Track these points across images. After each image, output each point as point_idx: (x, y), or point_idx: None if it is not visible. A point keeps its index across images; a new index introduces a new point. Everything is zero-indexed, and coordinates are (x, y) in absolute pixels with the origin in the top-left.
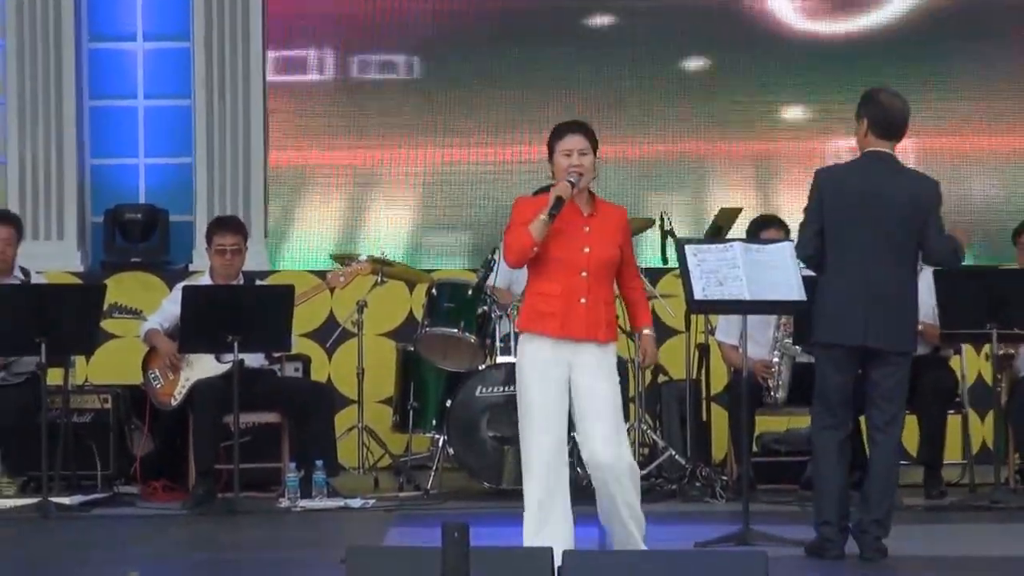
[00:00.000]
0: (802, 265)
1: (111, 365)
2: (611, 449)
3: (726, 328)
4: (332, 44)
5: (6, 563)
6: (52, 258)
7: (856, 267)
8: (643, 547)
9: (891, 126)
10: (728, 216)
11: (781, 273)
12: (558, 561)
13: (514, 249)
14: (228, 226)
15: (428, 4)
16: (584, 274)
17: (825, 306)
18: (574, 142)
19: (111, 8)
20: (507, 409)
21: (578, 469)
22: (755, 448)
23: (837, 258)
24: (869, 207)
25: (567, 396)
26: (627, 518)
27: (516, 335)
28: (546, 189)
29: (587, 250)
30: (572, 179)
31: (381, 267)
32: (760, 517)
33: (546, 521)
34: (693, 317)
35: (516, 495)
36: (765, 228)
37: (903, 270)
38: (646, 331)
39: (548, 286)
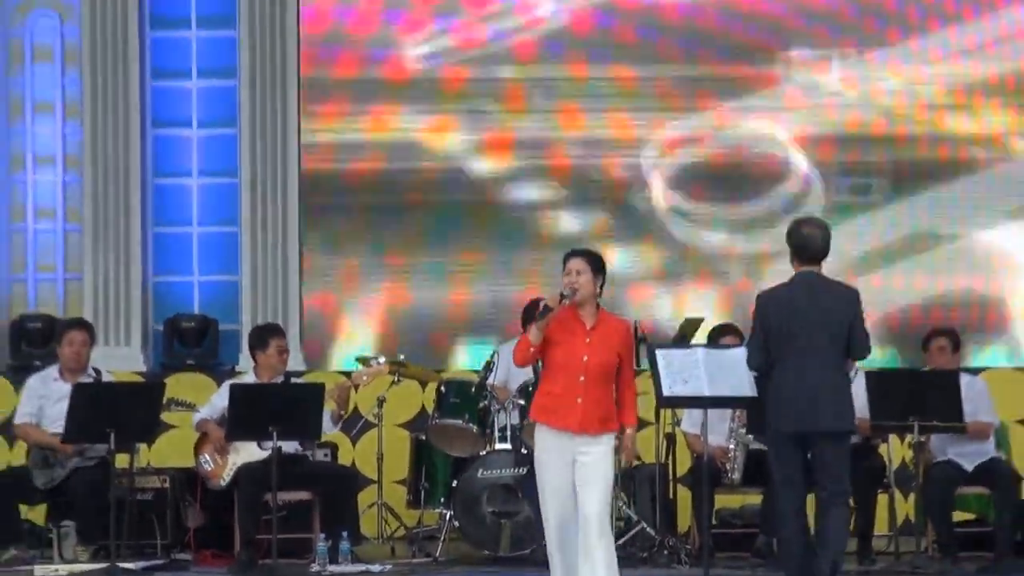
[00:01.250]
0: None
1: (169, 451)
2: (595, 526)
3: (689, 420)
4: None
5: None
6: (120, 360)
7: (798, 368)
8: None
9: (812, 254)
10: (692, 325)
11: (736, 374)
12: None
13: (518, 352)
14: (278, 331)
15: None
16: (582, 378)
17: (776, 401)
18: (574, 264)
19: (171, 151)
20: (505, 489)
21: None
22: (714, 521)
23: (782, 361)
24: (804, 320)
25: (571, 478)
26: (601, 563)
27: (512, 426)
28: (536, 302)
29: (586, 358)
30: (566, 292)
31: (398, 368)
32: None
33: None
34: (662, 411)
35: (512, 561)
36: (723, 335)
37: (836, 366)
38: (628, 431)
39: (551, 386)
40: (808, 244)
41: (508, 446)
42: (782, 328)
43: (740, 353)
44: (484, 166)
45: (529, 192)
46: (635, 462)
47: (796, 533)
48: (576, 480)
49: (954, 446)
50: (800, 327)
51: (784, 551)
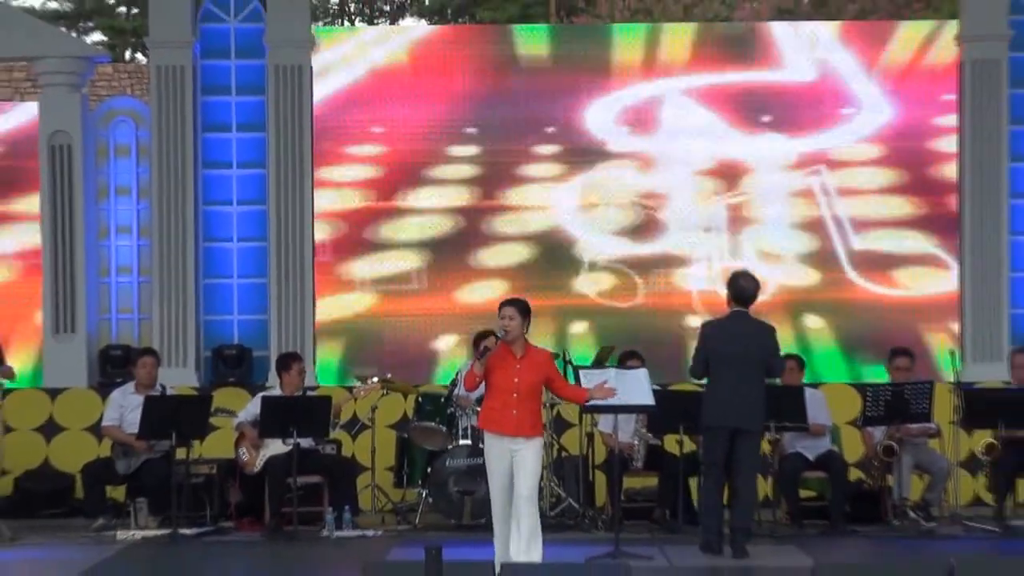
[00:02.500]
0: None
1: (215, 445)
2: (526, 503)
3: (604, 422)
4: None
5: (154, 567)
6: (179, 378)
7: (729, 380)
8: (536, 548)
9: (745, 299)
10: (605, 352)
11: (638, 387)
12: (497, 569)
13: (468, 380)
14: (298, 357)
15: None
16: (515, 395)
17: (713, 404)
18: (506, 311)
19: (216, 221)
20: (466, 473)
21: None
22: (623, 498)
23: (716, 374)
24: (735, 346)
25: (510, 468)
26: (532, 538)
27: (472, 427)
28: (490, 333)
29: (517, 380)
30: (500, 333)
31: (387, 384)
32: (626, 542)
33: (500, 541)
34: (584, 415)
35: (472, 528)
36: (629, 359)
37: (758, 381)
38: (591, 393)
39: (493, 402)
40: (742, 292)
41: (468, 442)
42: (719, 350)
43: (641, 372)
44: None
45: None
46: (564, 454)
47: (716, 502)
48: (513, 470)
49: (800, 441)
50: (732, 351)
51: (705, 511)
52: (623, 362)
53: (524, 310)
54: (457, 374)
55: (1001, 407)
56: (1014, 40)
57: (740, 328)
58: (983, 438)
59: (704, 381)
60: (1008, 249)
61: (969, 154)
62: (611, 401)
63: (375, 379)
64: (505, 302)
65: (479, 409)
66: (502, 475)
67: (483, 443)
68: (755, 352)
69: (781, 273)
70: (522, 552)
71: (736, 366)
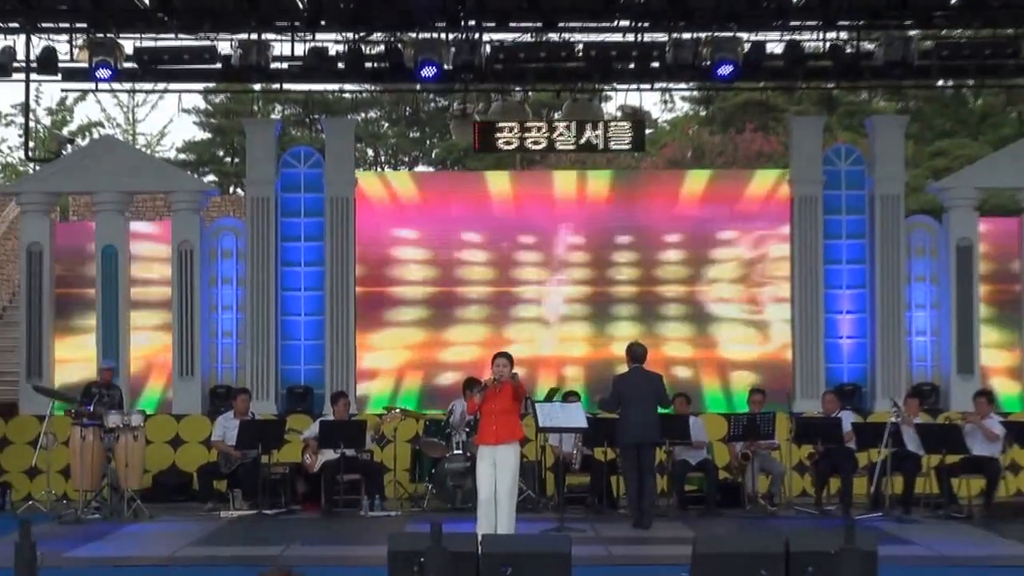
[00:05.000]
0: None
1: (288, 453)
2: (504, 493)
3: (554, 438)
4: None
5: (246, 536)
6: (264, 408)
7: (633, 411)
8: (513, 530)
9: (639, 359)
10: (553, 392)
11: (576, 416)
12: (480, 539)
13: (470, 408)
14: (344, 395)
15: None
16: (494, 415)
17: (624, 428)
18: (501, 360)
19: (290, 302)
20: (460, 473)
21: (530, 493)
22: (565, 490)
23: (624, 408)
24: (636, 388)
25: (493, 469)
26: (506, 518)
27: (463, 442)
28: (474, 380)
29: (495, 405)
30: (496, 377)
31: (405, 413)
32: (568, 520)
33: (483, 519)
34: (539, 433)
35: (462, 511)
36: (569, 396)
37: (652, 411)
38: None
39: (483, 423)
40: (637, 355)
41: (460, 452)
42: (625, 392)
43: (578, 405)
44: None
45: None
46: (526, 460)
47: (634, 492)
48: (496, 472)
49: (685, 452)
50: (635, 392)
51: (630, 498)
52: (566, 399)
53: (511, 360)
54: (451, 406)
55: (818, 430)
56: (827, 183)
57: (639, 378)
58: (807, 450)
59: (617, 413)
60: (823, 323)
61: (798, 258)
62: (557, 424)
63: (396, 410)
64: (499, 354)
65: (467, 430)
66: (487, 475)
67: (470, 453)
68: (650, 393)
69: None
70: (503, 528)
71: (637, 402)
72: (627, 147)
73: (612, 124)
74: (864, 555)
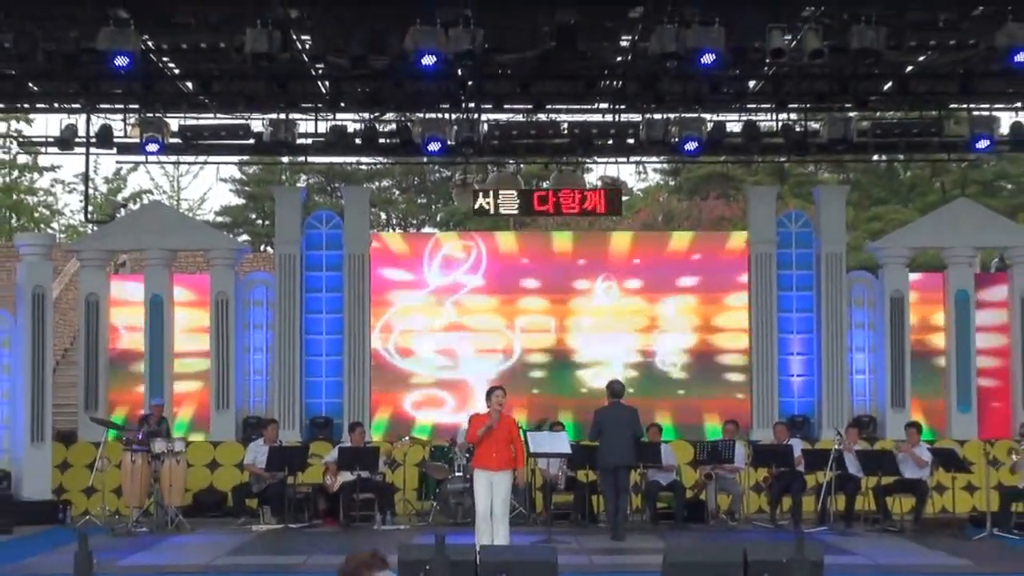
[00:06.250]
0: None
1: (311, 475)
2: (500, 509)
3: (542, 462)
4: None
5: (275, 547)
6: (290, 436)
7: (611, 439)
8: (507, 541)
9: (617, 394)
10: (542, 422)
11: (562, 443)
12: (478, 549)
13: (472, 435)
14: (360, 424)
15: None
16: (495, 444)
17: (603, 453)
18: (498, 394)
19: (314, 346)
20: (460, 492)
21: (522, 509)
22: (552, 507)
23: (604, 437)
24: (614, 420)
25: (491, 490)
26: (501, 531)
27: (463, 465)
28: (477, 414)
29: (496, 436)
30: (494, 410)
31: (413, 440)
32: (554, 533)
33: (480, 532)
34: (529, 457)
35: (462, 524)
36: (555, 426)
37: (627, 439)
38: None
39: (482, 450)
40: (615, 391)
41: (461, 474)
42: (604, 423)
43: (564, 433)
44: None
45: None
46: (518, 483)
47: (612, 509)
48: (493, 492)
49: (657, 474)
50: (613, 423)
51: (608, 514)
52: (552, 428)
53: (505, 393)
54: (455, 435)
55: (772, 455)
56: (780, 243)
57: (617, 411)
58: (763, 473)
59: (598, 442)
60: (777, 365)
61: (755, 308)
62: (545, 449)
63: (406, 438)
64: (496, 388)
65: (468, 455)
66: (485, 495)
67: (471, 475)
68: (626, 424)
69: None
70: (499, 540)
71: (615, 432)
72: (605, 212)
73: (592, 192)
74: (812, 564)
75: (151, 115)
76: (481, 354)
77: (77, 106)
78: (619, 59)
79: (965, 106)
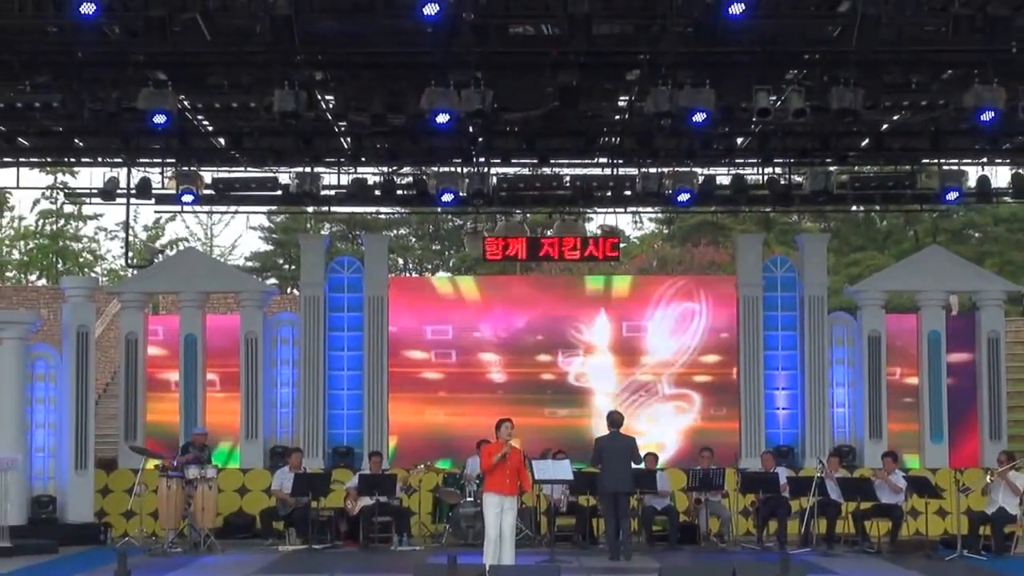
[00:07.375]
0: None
1: (333, 499)
2: (508, 531)
3: (547, 488)
4: None
5: (300, 566)
6: (313, 464)
7: (612, 466)
8: (514, 561)
9: (616, 424)
10: (545, 453)
11: (564, 470)
12: (487, 569)
13: (486, 463)
14: (379, 453)
15: None
16: (507, 472)
17: (604, 479)
18: (507, 426)
19: (336, 380)
20: (471, 515)
21: (527, 532)
22: (555, 529)
23: (604, 464)
24: (613, 448)
25: (501, 513)
26: (509, 552)
27: (473, 490)
28: (485, 441)
29: (508, 464)
30: (505, 439)
31: (428, 467)
32: (558, 553)
33: (489, 553)
34: (534, 485)
35: (473, 545)
36: (558, 455)
37: (627, 466)
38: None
39: (495, 477)
40: (614, 421)
41: (472, 499)
42: (604, 451)
43: (566, 461)
44: None
45: None
46: (525, 506)
47: (612, 530)
48: (503, 516)
49: (653, 499)
50: (612, 451)
51: (608, 536)
52: (554, 456)
53: (513, 425)
54: (466, 461)
55: (759, 482)
56: (766, 286)
57: (617, 440)
58: (751, 498)
59: (598, 468)
60: (764, 397)
61: (743, 346)
62: (549, 476)
63: (421, 466)
64: (505, 420)
65: (478, 482)
66: (495, 517)
67: (480, 500)
68: (625, 452)
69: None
70: (506, 560)
71: (614, 459)
72: (605, 258)
73: (593, 240)
74: None
75: (187, 169)
76: None
77: (119, 160)
78: (617, 117)
79: (936, 161)
